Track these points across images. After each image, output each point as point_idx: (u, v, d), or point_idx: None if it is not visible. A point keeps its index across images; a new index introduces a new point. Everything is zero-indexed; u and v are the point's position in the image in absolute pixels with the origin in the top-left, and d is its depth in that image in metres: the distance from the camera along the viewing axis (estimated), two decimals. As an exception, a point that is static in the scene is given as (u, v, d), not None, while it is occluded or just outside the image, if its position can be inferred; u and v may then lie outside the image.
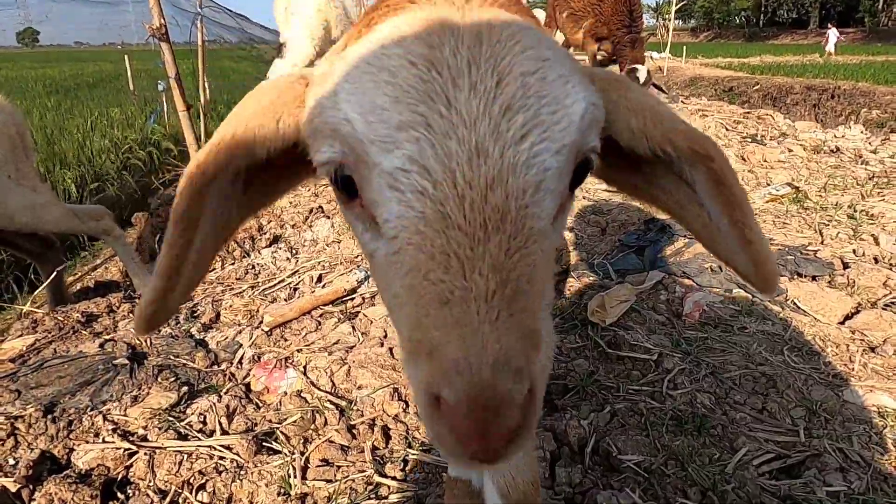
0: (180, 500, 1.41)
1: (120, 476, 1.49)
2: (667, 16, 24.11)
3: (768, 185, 3.50)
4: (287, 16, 4.93)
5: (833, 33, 19.82)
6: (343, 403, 1.68)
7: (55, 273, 2.42)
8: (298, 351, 1.95)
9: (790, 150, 4.52)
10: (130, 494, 1.44)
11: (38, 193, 2.23)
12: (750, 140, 5.06)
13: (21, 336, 2.10)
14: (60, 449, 1.57)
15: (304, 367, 1.86)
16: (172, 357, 1.95)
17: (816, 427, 1.43)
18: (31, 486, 1.46)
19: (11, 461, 1.52)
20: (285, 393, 1.76)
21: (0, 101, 2.22)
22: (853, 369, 1.67)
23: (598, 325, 1.88)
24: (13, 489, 1.45)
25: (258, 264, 2.78)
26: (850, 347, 1.78)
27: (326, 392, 1.74)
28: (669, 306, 1.98)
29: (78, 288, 3.11)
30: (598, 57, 6.56)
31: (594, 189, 3.59)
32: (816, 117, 9.53)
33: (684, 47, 20.67)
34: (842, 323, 1.93)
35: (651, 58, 14.08)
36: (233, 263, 2.89)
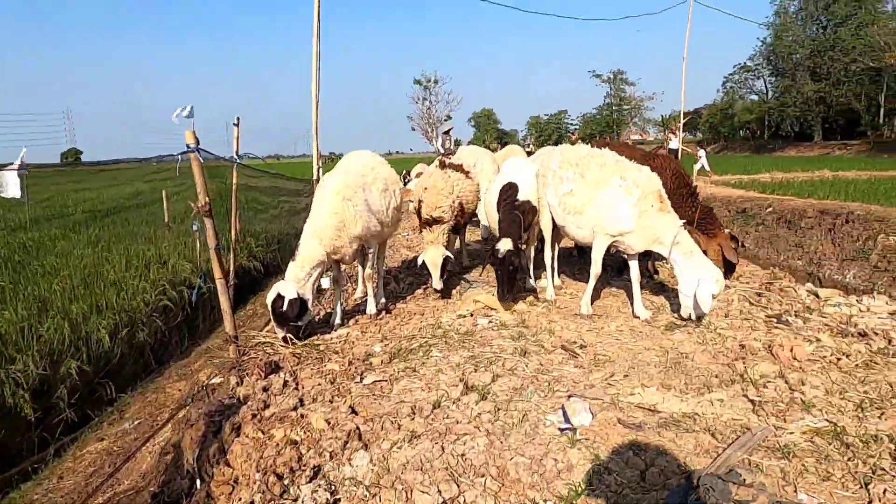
0: None
1: None
2: (675, 129, 25.04)
3: (803, 401, 3.51)
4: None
5: (702, 153, 20.31)
6: None
7: None
8: None
9: (818, 340, 4.56)
10: None
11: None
12: (775, 321, 5.13)
13: None
14: None
15: None
16: None
17: None
18: None
19: None
20: None
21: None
22: None
23: None
24: None
25: (296, 511, 2.79)
26: None
27: None
28: None
29: None
30: None
31: (627, 403, 3.62)
32: (833, 241, 9.60)
33: (694, 165, 21.06)
34: None
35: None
36: (271, 502, 2.91)
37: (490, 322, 5.16)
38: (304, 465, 3.15)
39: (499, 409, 3.56)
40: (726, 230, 6.90)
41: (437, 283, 6.13)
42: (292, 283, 4.83)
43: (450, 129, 20.82)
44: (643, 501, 2.62)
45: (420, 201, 6.49)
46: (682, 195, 6.64)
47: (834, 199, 11.64)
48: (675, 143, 18.61)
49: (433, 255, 6.08)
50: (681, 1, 19.40)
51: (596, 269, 5.47)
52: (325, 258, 4.98)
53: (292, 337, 4.94)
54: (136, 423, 5.80)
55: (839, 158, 34.22)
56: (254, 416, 3.73)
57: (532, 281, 6.46)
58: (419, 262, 6.23)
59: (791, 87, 51.10)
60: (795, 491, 2.64)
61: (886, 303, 5.66)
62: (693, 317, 5.05)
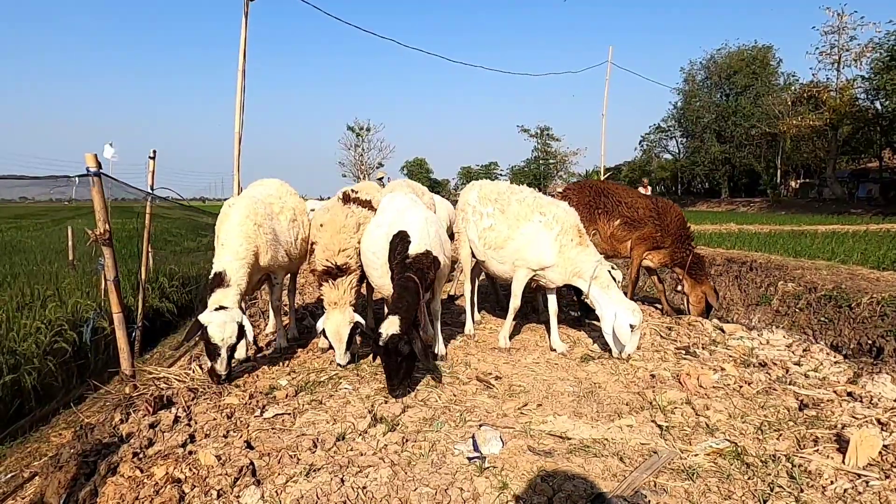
0: None
1: None
2: (646, 183, 26.09)
3: (708, 425, 3.55)
4: (217, 244, 4.69)
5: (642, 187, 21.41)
6: None
7: None
8: None
9: (723, 369, 4.69)
10: None
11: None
12: (684, 352, 5.26)
13: None
14: None
15: None
16: None
17: None
18: None
19: None
20: None
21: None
22: None
23: None
24: None
25: (173, 558, 2.47)
26: None
27: None
28: None
29: None
30: (647, 263, 7.12)
31: (539, 431, 3.53)
32: (740, 287, 10.16)
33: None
34: None
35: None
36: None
37: (405, 354, 4.99)
38: (186, 506, 2.83)
39: (406, 440, 3.37)
40: (710, 282, 7.25)
41: (340, 357, 4.75)
42: (237, 310, 4.32)
43: (383, 177, 20.86)
44: (548, 527, 2.51)
45: (314, 244, 5.16)
46: (681, 237, 6.93)
47: (740, 249, 12.43)
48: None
49: (337, 323, 4.68)
50: (599, 63, 20.77)
51: (515, 302, 5.45)
52: (244, 291, 4.61)
53: (225, 374, 4.35)
54: (8, 476, 5.14)
55: (744, 214, 36.93)
56: (135, 454, 3.35)
57: (442, 346, 5.23)
58: (318, 328, 4.83)
59: (700, 148, 55.26)
60: (698, 510, 2.61)
61: (784, 336, 5.97)
62: (621, 354, 5.07)
